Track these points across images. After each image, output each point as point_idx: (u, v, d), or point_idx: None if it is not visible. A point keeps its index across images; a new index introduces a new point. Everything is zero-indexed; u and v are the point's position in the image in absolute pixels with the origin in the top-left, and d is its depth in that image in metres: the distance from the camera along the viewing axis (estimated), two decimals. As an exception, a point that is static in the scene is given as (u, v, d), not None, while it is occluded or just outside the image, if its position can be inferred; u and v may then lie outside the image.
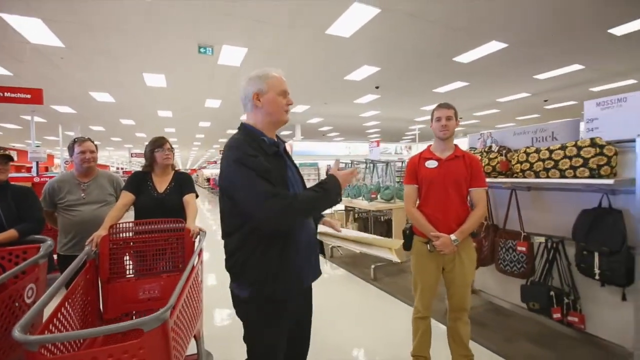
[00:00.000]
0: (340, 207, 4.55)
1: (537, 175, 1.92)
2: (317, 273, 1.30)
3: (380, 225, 4.12)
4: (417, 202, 1.81)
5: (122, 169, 20.04)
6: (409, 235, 1.83)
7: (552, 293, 1.90)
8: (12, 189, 1.87)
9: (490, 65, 6.50)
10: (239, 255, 1.15)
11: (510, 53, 5.88)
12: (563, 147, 1.81)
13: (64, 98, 8.26)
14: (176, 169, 2.30)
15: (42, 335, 1.00)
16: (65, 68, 6.13)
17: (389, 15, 4.49)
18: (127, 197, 2.01)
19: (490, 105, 10.57)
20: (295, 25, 4.79)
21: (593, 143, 1.70)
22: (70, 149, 2.19)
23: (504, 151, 2.18)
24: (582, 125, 1.98)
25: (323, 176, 6.10)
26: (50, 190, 2.16)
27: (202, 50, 5.58)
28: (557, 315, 1.89)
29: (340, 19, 4.64)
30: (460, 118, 12.69)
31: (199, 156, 30.75)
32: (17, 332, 0.95)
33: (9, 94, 5.41)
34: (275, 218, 1.05)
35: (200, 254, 1.72)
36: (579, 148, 1.74)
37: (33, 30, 4.62)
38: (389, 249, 1.23)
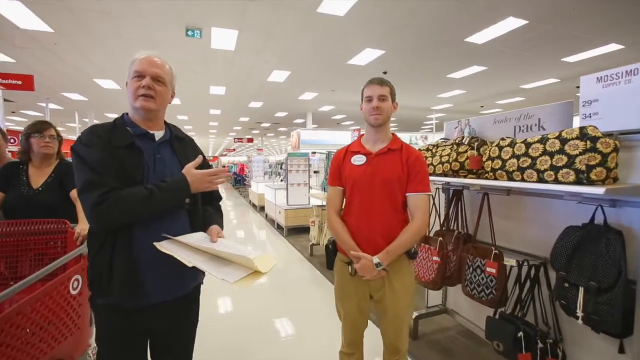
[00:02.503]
0: (321, 202, 4.17)
1: (510, 177, 1.45)
2: (179, 288, 1.10)
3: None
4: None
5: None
6: (331, 251, 1.44)
7: (520, 334, 1.44)
8: None
9: (509, 46, 5.74)
10: (88, 252, 1.07)
11: (532, 31, 5.12)
12: (543, 140, 1.33)
13: (72, 85, 8.35)
14: (63, 157, 1.92)
15: None
16: (61, 54, 6.08)
17: (383, -12, 3.97)
18: None
19: (514, 93, 9.59)
20: (284, 4, 4.37)
21: (583, 134, 1.21)
22: (-26, 135, 1.97)
23: (476, 144, 1.70)
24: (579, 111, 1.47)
25: (314, 167, 5.69)
26: None
27: (189, 33, 5.30)
28: (525, 363, 1.43)
29: (329, -5, 4.17)
30: (482, 107, 11.75)
31: (218, 144, 31.09)
32: None
33: (4, 80, 5.42)
34: (90, 211, 0.93)
35: (80, 261, 1.45)
36: (564, 141, 1.25)
37: (18, 13, 4.51)
38: (249, 270, 0.91)
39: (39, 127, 1.79)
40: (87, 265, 1.53)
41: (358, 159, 1.32)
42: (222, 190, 15.23)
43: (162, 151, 1.10)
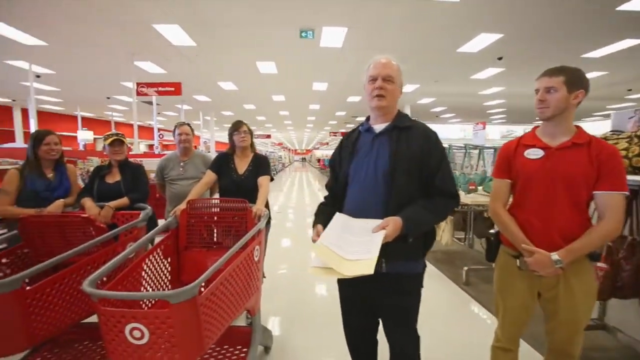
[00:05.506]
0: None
1: None
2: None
3: (481, 222, 3.50)
4: (509, 202, 1.39)
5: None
6: (493, 243, 1.44)
7: None
8: (129, 165, 2.31)
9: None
10: None
11: None
12: None
13: (201, 89, 9.91)
14: (256, 151, 2.41)
15: (103, 290, 1.17)
16: (199, 63, 7.24)
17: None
18: (209, 176, 2.24)
19: (684, 71, 7.52)
20: (396, -5, 4.36)
21: None
22: (173, 132, 2.56)
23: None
24: None
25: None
26: (160, 167, 2.59)
27: (303, 34, 5.71)
28: None
29: (448, -20, 3.98)
30: (629, 90, 9.56)
31: (312, 137, 32.69)
32: (84, 284, 1.15)
33: (161, 88, 6.81)
34: None
35: (258, 235, 1.76)
36: None
37: (173, 34, 5.57)
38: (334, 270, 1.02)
39: (236, 126, 2.27)
40: (262, 238, 1.87)
41: (534, 153, 1.28)
42: (316, 181, 16.00)
43: (377, 142, 1.24)
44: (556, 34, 5.54)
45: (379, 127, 1.25)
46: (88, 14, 4.82)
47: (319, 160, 25.51)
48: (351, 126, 20.25)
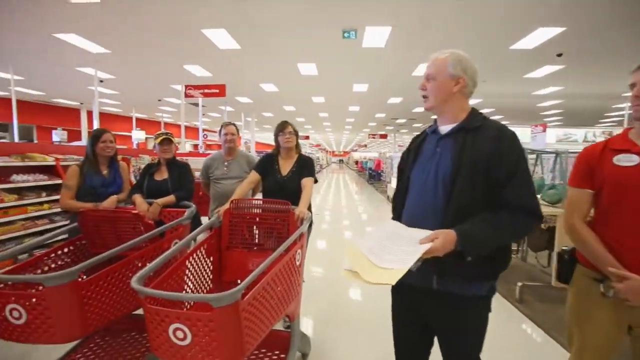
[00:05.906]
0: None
1: None
2: (417, 276, 0.96)
3: (538, 234, 3.17)
4: (590, 215, 1.20)
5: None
6: (568, 262, 1.25)
7: None
8: (176, 164, 2.39)
9: None
10: None
11: None
12: None
13: (244, 91, 10.22)
14: (301, 152, 2.38)
15: (149, 289, 1.17)
16: (242, 66, 7.46)
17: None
18: (253, 176, 2.24)
19: None
20: (444, -10, 4.13)
21: None
22: (219, 132, 2.61)
23: None
24: None
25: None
26: (206, 165, 2.66)
27: (346, 34, 5.63)
28: None
29: (504, -30, 3.69)
30: None
31: (351, 139, 32.50)
32: (133, 281, 1.17)
33: (206, 90, 7.12)
34: None
35: (300, 238, 1.71)
36: None
37: (220, 38, 5.77)
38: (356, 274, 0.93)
39: (282, 127, 2.26)
40: (304, 242, 1.81)
41: (627, 159, 1.08)
42: (353, 183, 15.84)
43: (441, 144, 1.10)
44: (632, 25, 4.93)
45: (445, 127, 1.12)
46: (147, 24, 5.17)
47: (356, 163, 25.20)
48: (390, 129, 19.92)
